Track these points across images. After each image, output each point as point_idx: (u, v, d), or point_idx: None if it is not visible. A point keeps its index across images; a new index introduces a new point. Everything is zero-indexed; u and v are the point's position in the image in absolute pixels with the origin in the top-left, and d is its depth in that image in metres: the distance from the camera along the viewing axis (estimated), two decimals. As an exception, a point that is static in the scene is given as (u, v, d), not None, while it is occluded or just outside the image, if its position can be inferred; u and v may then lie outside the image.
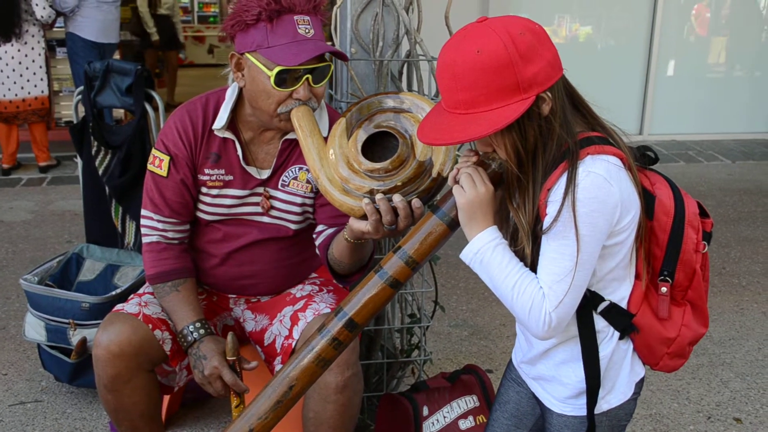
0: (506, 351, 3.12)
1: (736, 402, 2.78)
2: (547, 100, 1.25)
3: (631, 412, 1.45)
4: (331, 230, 1.92)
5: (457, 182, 1.35)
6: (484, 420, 2.26)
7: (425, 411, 2.18)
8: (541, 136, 1.28)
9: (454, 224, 1.38)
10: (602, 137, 1.30)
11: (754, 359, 3.10)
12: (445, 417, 2.22)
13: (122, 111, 6.02)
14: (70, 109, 6.21)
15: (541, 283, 1.28)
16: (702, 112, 7.33)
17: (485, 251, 1.31)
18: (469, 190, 1.31)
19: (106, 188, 2.79)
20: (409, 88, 2.36)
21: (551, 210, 1.26)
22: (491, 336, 3.27)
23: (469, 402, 2.26)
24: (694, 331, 1.40)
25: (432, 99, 2.19)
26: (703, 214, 1.36)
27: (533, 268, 1.31)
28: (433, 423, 2.19)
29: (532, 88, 1.22)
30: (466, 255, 1.34)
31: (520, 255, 1.32)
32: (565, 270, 1.25)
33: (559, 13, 7.18)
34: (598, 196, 1.24)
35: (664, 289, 1.34)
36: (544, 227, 1.26)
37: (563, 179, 1.25)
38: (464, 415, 2.25)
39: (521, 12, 6.94)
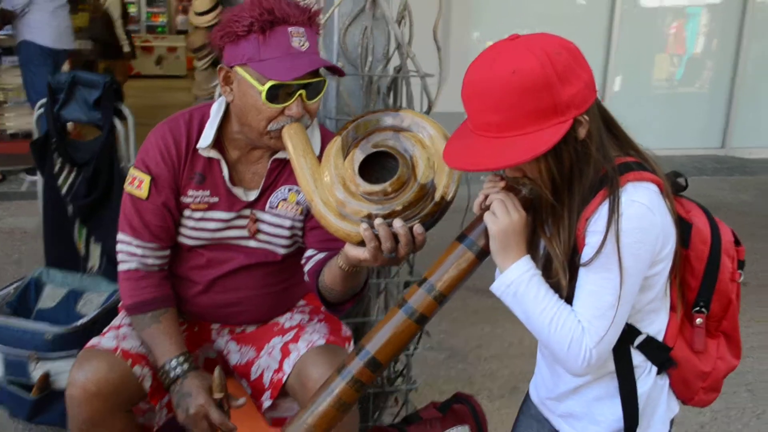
0: (485, 374, 3.05)
1: (719, 423, 2.76)
2: (584, 123, 1.18)
3: (663, 449, 1.38)
4: (321, 255, 1.80)
5: (484, 209, 1.26)
6: (477, 451, 2.17)
7: (418, 444, 2.08)
8: (578, 161, 1.20)
9: (483, 254, 1.29)
10: (639, 162, 1.23)
11: (728, 378, 3.09)
12: (437, 449, 2.12)
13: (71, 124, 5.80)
14: (14, 121, 5.94)
15: (580, 317, 1.20)
16: (654, 129, 7.45)
17: (520, 283, 1.23)
18: (503, 217, 1.23)
19: (69, 208, 2.62)
20: (396, 105, 2.27)
21: (592, 240, 1.18)
22: (469, 359, 3.19)
23: (461, 432, 2.17)
24: (728, 363, 1.34)
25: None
26: (737, 242, 1.30)
27: (568, 300, 1.23)
28: (426, 456, 2.09)
29: (570, 110, 1.14)
30: (499, 287, 1.26)
31: (554, 286, 1.24)
32: (607, 304, 1.17)
33: (516, 29, 7.22)
34: (642, 226, 1.17)
35: (699, 321, 1.28)
36: (585, 259, 1.18)
37: (604, 208, 1.17)
38: (456, 447, 2.15)
39: (480, 25, 6.96)
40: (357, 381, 1.30)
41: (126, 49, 8.07)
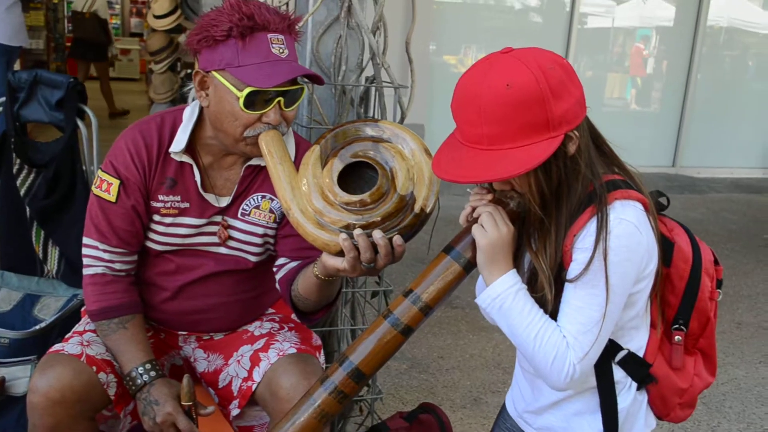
0: (447, 385, 3.06)
1: (676, 435, 2.81)
2: (574, 139, 1.19)
3: (639, 464, 1.40)
4: (293, 264, 1.79)
5: (470, 221, 1.26)
6: (443, 461, 2.17)
7: (385, 454, 2.07)
8: (567, 176, 1.21)
9: (469, 266, 1.29)
10: (625, 180, 1.25)
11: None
12: (403, 459, 2.12)
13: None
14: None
15: (565, 333, 1.21)
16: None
17: (506, 297, 1.23)
18: (491, 231, 1.23)
19: (27, 210, 2.54)
20: (368, 115, 2.27)
21: (579, 257, 1.19)
22: (430, 369, 3.19)
23: (427, 443, 2.17)
24: (705, 379, 1.37)
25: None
26: (716, 261, 1.34)
27: (553, 315, 1.24)
28: (392, 467, 2.08)
29: (561, 126, 1.16)
30: (484, 300, 1.26)
31: (539, 301, 1.25)
32: (592, 320, 1.19)
33: (472, 44, 7.31)
34: (630, 244, 1.19)
35: (678, 338, 1.30)
36: (571, 275, 1.20)
37: (592, 225, 1.19)
38: (422, 457, 2.15)
39: (439, 39, 7.02)
40: (340, 392, 1.29)
41: (115, 51, 7.97)
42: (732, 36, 8.18)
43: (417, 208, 1.47)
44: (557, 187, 1.22)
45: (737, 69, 8.35)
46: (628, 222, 1.19)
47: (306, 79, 1.76)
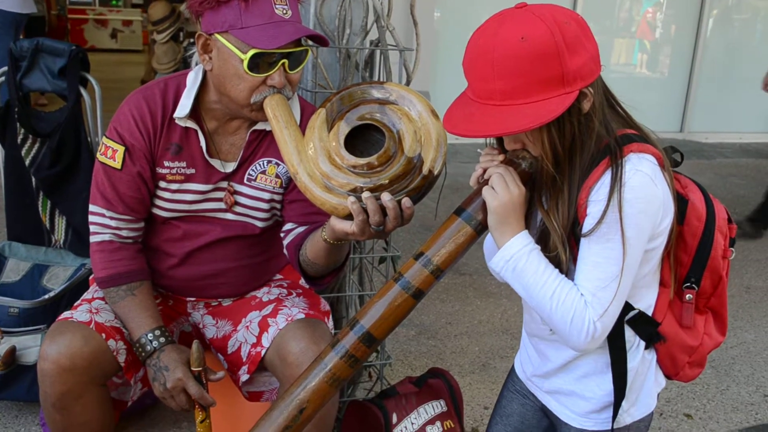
0: (455, 350, 3.06)
1: (684, 398, 2.82)
2: (588, 96, 1.17)
3: (649, 424, 1.39)
4: (300, 229, 1.78)
5: (481, 183, 1.24)
6: (452, 425, 2.18)
7: (394, 418, 2.08)
8: (580, 133, 1.19)
9: (481, 228, 1.27)
10: (639, 136, 1.23)
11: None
12: (413, 423, 2.13)
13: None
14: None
15: (583, 290, 1.19)
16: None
17: (519, 257, 1.21)
18: (502, 192, 1.21)
19: (33, 180, 2.54)
20: (373, 79, 2.24)
21: (594, 210, 1.17)
22: (439, 335, 3.20)
23: (436, 407, 2.18)
24: (715, 339, 1.35)
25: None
26: (729, 219, 1.31)
27: (568, 275, 1.23)
28: (401, 430, 2.09)
29: (576, 81, 1.13)
30: (497, 262, 1.24)
31: (553, 261, 1.23)
32: (611, 276, 1.17)
33: (479, 8, 7.22)
34: (645, 196, 1.16)
35: (689, 297, 1.29)
36: (586, 229, 1.18)
37: (607, 177, 1.17)
38: (431, 421, 2.16)
39: (444, 3, 6.93)
40: (351, 356, 1.27)
41: None
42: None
43: (425, 170, 1.45)
44: (570, 144, 1.20)
45: (746, 33, 8.24)
46: (644, 173, 1.17)
47: (310, 42, 1.73)
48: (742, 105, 8.08)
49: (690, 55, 7.83)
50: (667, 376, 1.39)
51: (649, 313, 1.30)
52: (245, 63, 1.56)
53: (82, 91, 2.47)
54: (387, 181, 1.44)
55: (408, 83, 2.14)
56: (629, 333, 1.30)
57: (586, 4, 7.29)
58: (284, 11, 1.59)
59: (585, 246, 1.20)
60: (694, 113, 7.95)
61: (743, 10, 8.13)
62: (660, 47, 7.94)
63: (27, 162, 2.53)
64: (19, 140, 2.51)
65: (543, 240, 1.26)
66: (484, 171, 1.27)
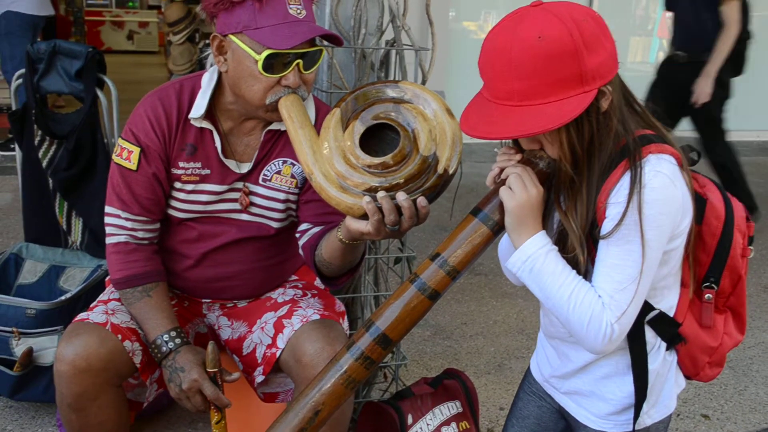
0: (471, 351, 3.05)
1: (702, 399, 2.79)
2: (607, 95, 1.15)
3: (668, 425, 1.38)
4: (316, 229, 1.77)
5: (498, 183, 1.23)
6: (468, 426, 2.17)
7: (410, 419, 2.08)
8: (599, 133, 1.18)
9: (498, 228, 1.25)
10: (658, 136, 1.22)
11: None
12: (428, 424, 2.12)
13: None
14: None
15: (600, 292, 1.18)
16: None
17: (537, 258, 1.20)
18: (520, 192, 1.20)
19: (50, 182, 2.55)
20: (389, 79, 2.24)
21: (613, 212, 1.16)
22: (454, 336, 3.18)
23: (452, 408, 2.17)
24: (734, 338, 1.34)
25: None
26: (747, 218, 1.30)
27: (585, 276, 1.21)
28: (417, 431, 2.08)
29: (595, 80, 1.12)
30: (515, 263, 1.23)
31: (571, 262, 1.22)
32: (629, 278, 1.15)
33: (492, 7, 7.19)
34: (665, 197, 1.15)
35: (709, 296, 1.27)
36: (605, 231, 1.16)
37: (626, 179, 1.15)
38: (447, 422, 2.15)
39: (459, 2, 6.91)
40: (367, 358, 1.27)
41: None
42: (758, -4, 7.97)
43: (440, 169, 1.45)
44: (589, 143, 1.19)
45: (764, 31, 8.14)
46: (664, 175, 1.16)
47: (325, 42, 1.73)
48: (760, 103, 7.99)
49: (708, 52, 7.75)
50: (687, 377, 1.38)
51: (671, 314, 1.29)
52: (260, 63, 1.56)
53: (99, 92, 2.49)
54: (402, 181, 1.44)
55: (423, 83, 2.13)
56: (650, 334, 1.28)
57: (602, 1, 7.25)
58: (298, 11, 1.59)
59: (604, 248, 1.18)
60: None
61: (762, 6, 8.03)
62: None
63: (44, 164, 2.54)
64: (36, 142, 2.53)
65: (561, 241, 1.24)
66: (501, 171, 1.26)
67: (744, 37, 4.29)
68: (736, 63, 4.36)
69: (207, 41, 6.38)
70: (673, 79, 4.45)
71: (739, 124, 7.95)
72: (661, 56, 7.80)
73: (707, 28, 4.20)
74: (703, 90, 4.25)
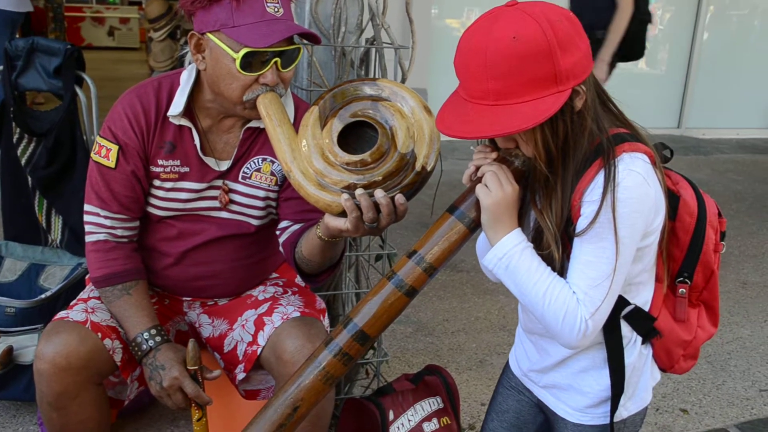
0: (452, 347, 3.07)
1: (680, 393, 2.82)
2: (581, 94, 1.17)
3: (644, 417, 1.40)
4: (296, 226, 1.78)
5: (473, 181, 1.25)
6: (449, 422, 2.19)
7: (391, 415, 2.09)
8: (573, 132, 1.19)
9: (474, 226, 1.27)
10: (631, 134, 1.24)
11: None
12: (409, 420, 2.13)
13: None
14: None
15: (575, 289, 1.20)
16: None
17: (512, 255, 1.22)
18: (496, 190, 1.21)
19: (29, 179, 2.54)
20: (369, 77, 2.24)
21: (587, 211, 1.18)
22: (436, 332, 3.20)
23: (432, 404, 2.18)
24: (707, 331, 1.37)
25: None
26: (719, 213, 1.32)
27: (561, 273, 1.23)
28: (398, 427, 2.10)
29: (569, 80, 1.14)
30: (491, 260, 1.25)
31: (546, 259, 1.23)
32: (603, 274, 1.17)
33: (469, 7, 7.21)
34: (639, 196, 1.17)
35: (682, 291, 1.30)
36: (579, 229, 1.18)
37: (600, 177, 1.17)
38: (428, 418, 2.17)
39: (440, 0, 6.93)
40: (345, 354, 1.28)
41: None
42: (738, -6, 8.06)
43: (418, 166, 1.46)
44: (563, 142, 1.20)
45: (743, 29, 8.23)
46: (637, 173, 1.18)
47: (304, 40, 1.74)
48: (739, 101, 8.09)
49: (687, 51, 7.83)
50: (662, 370, 1.40)
51: (646, 308, 1.31)
52: (238, 62, 1.56)
53: (78, 90, 2.47)
54: (380, 178, 1.44)
55: (403, 81, 2.14)
56: (626, 329, 1.31)
57: None
58: (276, 9, 1.59)
59: (578, 245, 1.20)
60: (691, 109, 7.95)
61: (741, 5, 8.13)
62: (658, 43, 7.93)
63: (23, 161, 2.53)
64: (14, 140, 2.51)
65: (537, 238, 1.26)
66: (477, 169, 1.27)
67: (641, 19, 4.18)
68: (632, 47, 4.24)
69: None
70: None
71: (719, 122, 8.06)
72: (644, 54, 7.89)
73: (601, 7, 4.08)
74: (597, 76, 4.24)
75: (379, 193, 1.41)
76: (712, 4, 7.76)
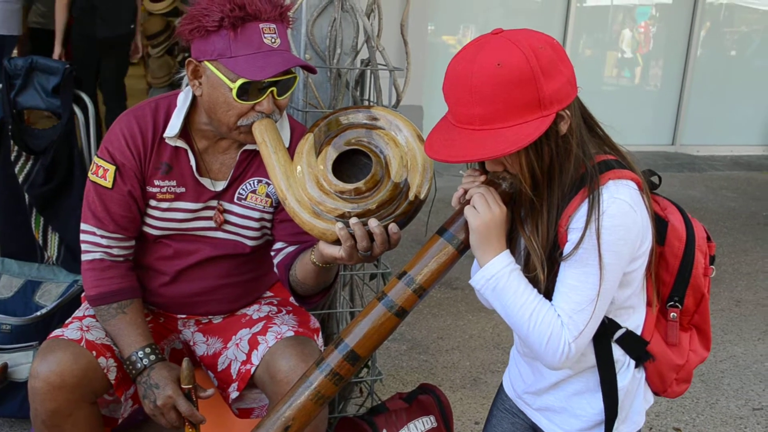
0: (447, 365, 3.08)
1: (674, 412, 2.84)
2: (565, 118, 1.20)
3: (637, 440, 1.42)
4: (291, 248, 1.80)
5: (462, 203, 1.27)
6: (442, 441, 2.20)
7: (384, 434, 2.10)
8: (558, 156, 1.22)
9: (463, 247, 1.30)
10: (618, 161, 1.26)
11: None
12: (402, 439, 2.14)
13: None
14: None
15: (559, 312, 1.22)
16: (606, 126, 7.58)
17: (500, 277, 1.24)
18: (484, 212, 1.24)
19: (26, 197, 2.55)
20: (364, 98, 2.27)
21: (573, 237, 1.20)
22: (430, 350, 3.21)
23: (426, 423, 2.19)
24: (700, 354, 1.39)
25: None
26: (708, 238, 1.35)
27: (547, 295, 1.25)
28: (391, 447, 2.10)
29: (553, 105, 1.16)
30: (479, 281, 1.27)
31: (532, 281, 1.26)
32: (587, 299, 1.20)
33: (471, 24, 7.27)
34: (625, 223, 1.19)
35: (673, 315, 1.32)
36: (565, 254, 1.20)
37: (585, 205, 1.20)
38: (421, 437, 2.18)
39: (436, 20, 6.98)
40: (336, 374, 1.30)
41: None
42: (732, 12, 8.13)
43: (411, 195, 1.48)
44: (549, 167, 1.23)
45: (737, 46, 8.31)
46: (623, 201, 1.20)
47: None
48: (733, 118, 8.15)
49: (681, 68, 7.90)
50: (656, 393, 1.42)
51: (638, 332, 1.33)
52: (234, 91, 1.58)
53: (76, 108, 2.50)
54: (374, 207, 1.47)
55: (398, 102, 2.17)
56: (619, 352, 1.33)
57: (578, 17, 7.35)
58: (273, 40, 1.61)
59: (564, 269, 1.23)
60: (685, 126, 8.01)
61: (735, 23, 8.21)
62: (652, 60, 8.00)
63: (20, 179, 2.54)
64: (12, 157, 2.53)
65: (527, 261, 1.28)
66: (465, 192, 1.30)
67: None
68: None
69: (186, 54, 6.39)
70: None
71: (713, 139, 8.12)
72: (638, 72, 7.96)
73: None
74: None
75: (372, 223, 1.44)
76: (706, 20, 7.84)
